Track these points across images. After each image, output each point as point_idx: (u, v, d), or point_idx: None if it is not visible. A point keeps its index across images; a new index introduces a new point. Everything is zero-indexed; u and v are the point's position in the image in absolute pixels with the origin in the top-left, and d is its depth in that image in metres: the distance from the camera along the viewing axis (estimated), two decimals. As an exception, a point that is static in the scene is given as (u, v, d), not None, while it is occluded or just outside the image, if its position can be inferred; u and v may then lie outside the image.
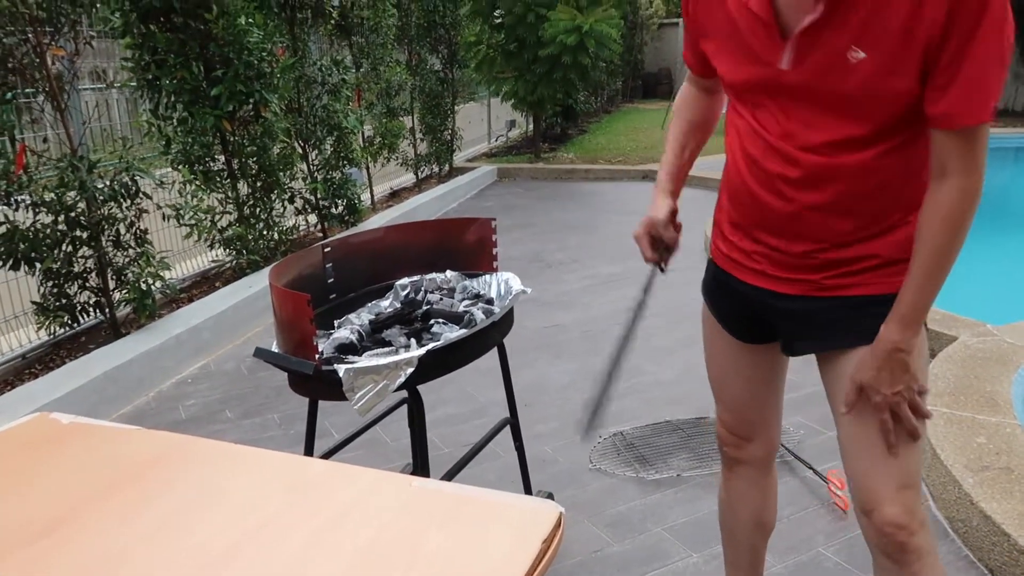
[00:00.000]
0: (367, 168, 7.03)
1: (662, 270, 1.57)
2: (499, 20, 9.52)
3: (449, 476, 1.94)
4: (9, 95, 3.33)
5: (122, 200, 3.70)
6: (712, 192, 8.12)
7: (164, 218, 4.28)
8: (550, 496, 2.44)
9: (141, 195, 3.80)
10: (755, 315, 1.50)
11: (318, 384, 1.64)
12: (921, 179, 1.25)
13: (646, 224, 1.53)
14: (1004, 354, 3.04)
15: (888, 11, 1.11)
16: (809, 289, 1.37)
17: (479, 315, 1.96)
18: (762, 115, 1.32)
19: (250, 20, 4.49)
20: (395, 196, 7.99)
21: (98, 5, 3.93)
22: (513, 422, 2.26)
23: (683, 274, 5.15)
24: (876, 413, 1.30)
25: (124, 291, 3.78)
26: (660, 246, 1.54)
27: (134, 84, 4.34)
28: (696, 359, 3.68)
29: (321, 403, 2.00)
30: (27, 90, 3.52)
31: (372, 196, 7.26)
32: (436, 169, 9.04)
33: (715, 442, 2.84)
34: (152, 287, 3.82)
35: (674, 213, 1.55)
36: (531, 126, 11.21)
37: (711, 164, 9.49)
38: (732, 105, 1.42)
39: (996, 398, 2.66)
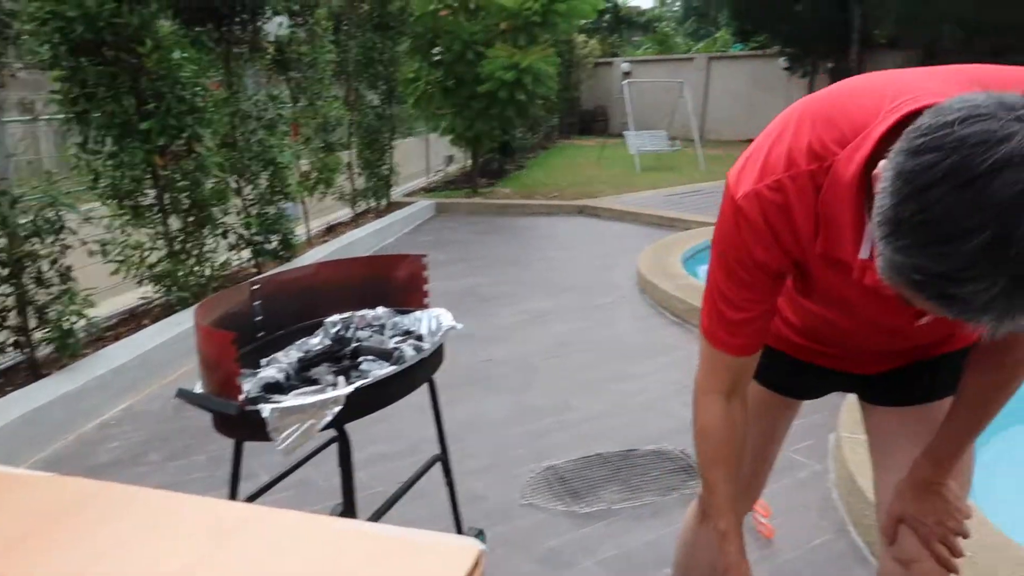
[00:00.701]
0: (303, 202, 6.99)
1: None
2: (437, 57, 9.64)
3: (378, 515, 1.93)
4: (-74, 128, 3.24)
5: (46, 236, 3.61)
6: (644, 227, 8.31)
7: (90, 254, 4.17)
8: (480, 533, 2.44)
9: (66, 230, 3.70)
10: (809, 375, 1.48)
11: (242, 425, 1.63)
12: None
13: None
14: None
15: None
16: (891, 366, 1.39)
17: (408, 352, 1.98)
18: (857, 317, 1.24)
19: (184, 54, 4.46)
20: (332, 231, 7.94)
21: (24, 37, 3.86)
22: (443, 459, 2.27)
23: (611, 310, 5.28)
24: (926, 546, 1.29)
25: (45, 330, 3.66)
26: None
27: (62, 116, 4.25)
28: (625, 393, 3.75)
29: (251, 443, 1.98)
30: (-54, 122, 3.42)
31: (308, 231, 7.21)
32: (374, 204, 9.03)
33: (644, 474, 2.90)
34: (75, 326, 3.71)
35: None
36: (469, 161, 11.32)
37: (643, 200, 9.77)
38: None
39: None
